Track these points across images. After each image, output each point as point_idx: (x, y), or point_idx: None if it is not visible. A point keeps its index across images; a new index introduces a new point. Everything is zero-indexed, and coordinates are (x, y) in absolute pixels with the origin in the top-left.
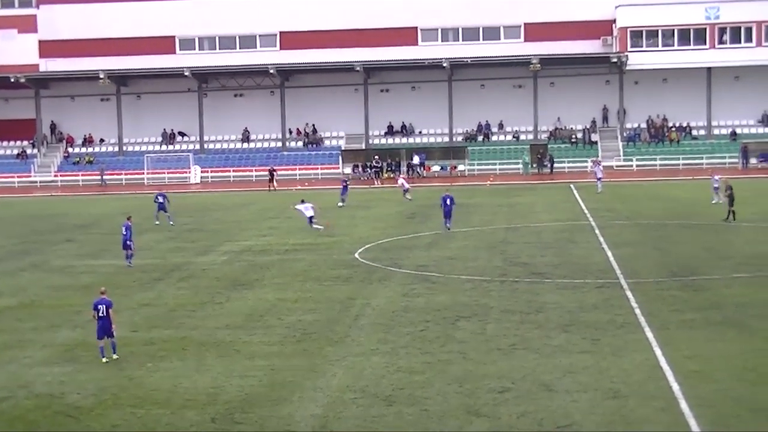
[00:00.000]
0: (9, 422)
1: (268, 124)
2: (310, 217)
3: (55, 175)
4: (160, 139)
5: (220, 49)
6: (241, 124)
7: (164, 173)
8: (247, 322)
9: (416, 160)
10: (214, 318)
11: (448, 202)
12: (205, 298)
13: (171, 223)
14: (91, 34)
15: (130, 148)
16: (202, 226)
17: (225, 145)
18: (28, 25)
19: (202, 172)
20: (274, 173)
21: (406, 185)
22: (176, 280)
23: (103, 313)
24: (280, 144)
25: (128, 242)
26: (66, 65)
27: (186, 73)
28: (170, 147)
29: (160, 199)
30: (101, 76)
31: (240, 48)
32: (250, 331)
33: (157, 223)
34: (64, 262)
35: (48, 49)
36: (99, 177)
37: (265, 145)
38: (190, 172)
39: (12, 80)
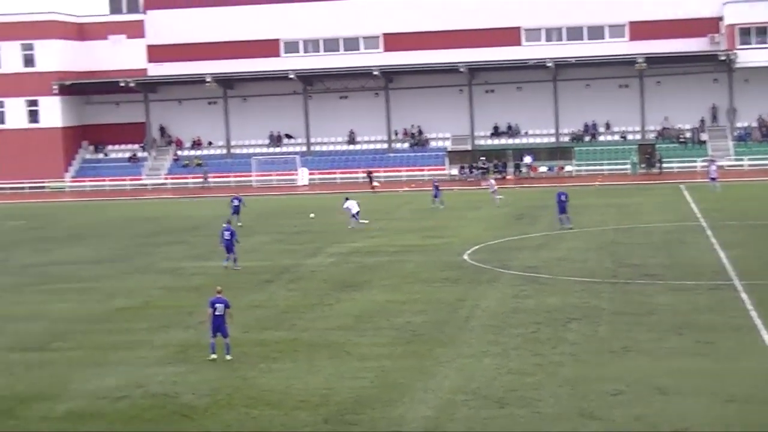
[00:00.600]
0: (126, 421)
1: (374, 126)
2: (356, 213)
3: (165, 178)
4: (267, 141)
5: (324, 51)
6: (347, 125)
7: (271, 175)
8: (357, 324)
9: (527, 159)
10: (324, 319)
11: (563, 198)
12: (315, 300)
13: (239, 224)
14: (198, 38)
15: (237, 151)
16: (310, 227)
17: (331, 147)
18: (136, 30)
19: (309, 173)
20: (371, 175)
21: (495, 186)
22: (286, 281)
23: (219, 311)
24: (385, 145)
25: (232, 246)
26: (173, 69)
27: (291, 76)
28: (277, 149)
29: (236, 202)
30: (208, 79)
31: (344, 50)
32: (360, 332)
33: (239, 224)
34: (174, 264)
35: (156, 53)
36: (202, 179)
37: (371, 146)
38: (297, 174)
39: (122, 85)
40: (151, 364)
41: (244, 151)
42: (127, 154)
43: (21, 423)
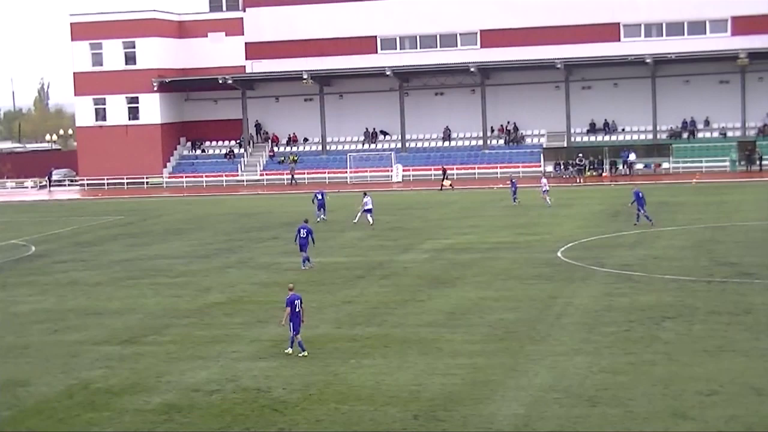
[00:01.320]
0: (218, 415)
1: (469, 123)
2: (369, 209)
3: (261, 174)
4: (362, 137)
5: (420, 48)
6: (442, 122)
7: (367, 172)
8: (449, 320)
9: (632, 157)
10: (416, 316)
11: (640, 195)
12: (407, 296)
13: (323, 217)
14: (295, 35)
15: (333, 147)
16: (404, 224)
17: (426, 144)
18: (235, 28)
19: (403, 170)
20: (446, 172)
21: (546, 186)
22: (378, 277)
23: (298, 308)
24: (480, 142)
25: (306, 244)
26: (271, 66)
27: (387, 73)
28: (372, 146)
29: (320, 197)
30: (305, 76)
31: (441, 47)
32: (452, 329)
33: (323, 218)
34: (270, 259)
35: (254, 50)
36: (290, 176)
37: (466, 143)
38: (392, 171)
39: (220, 81)
40: (245, 359)
41: (340, 147)
42: (224, 151)
43: (115, 415)
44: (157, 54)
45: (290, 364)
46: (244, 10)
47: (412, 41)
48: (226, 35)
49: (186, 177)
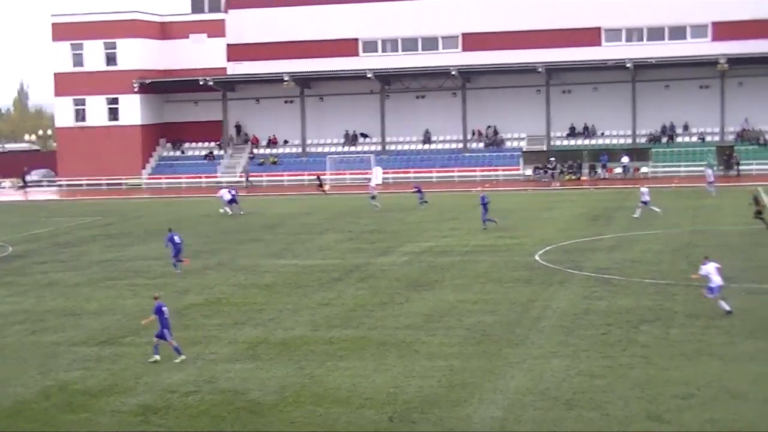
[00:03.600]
0: (195, 416)
1: (450, 126)
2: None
3: (240, 176)
4: (342, 140)
5: (402, 51)
6: (423, 125)
7: (346, 174)
8: (427, 323)
9: (625, 159)
10: (394, 318)
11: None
12: (385, 299)
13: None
14: (276, 37)
15: (313, 149)
16: (382, 227)
17: (406, 147)
18: (217, 29)
19: (383, 173)
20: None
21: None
22: (356, 280)
23: (167, 314)
24: (461, 145)
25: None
26: (252, 68)
27: (368, 75)
28: (352, 148)
29: (233, 193)
30: (285, 78)
31: (422, 50)
32: (429, 331)
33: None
34: (249, 261)
35: (235, 52)
36: (244, 179)
37: (446, 146)
38: (371, 173)
39: (201, 83)
40: (221, 360)
41: (320, 150)
42: (204, 152)
43: (93, 416)
44: (138, 55)
45: (266, 366)
46: (227, 12)
47: (393, 44)
48: (207, 36)
49: (165, 178)
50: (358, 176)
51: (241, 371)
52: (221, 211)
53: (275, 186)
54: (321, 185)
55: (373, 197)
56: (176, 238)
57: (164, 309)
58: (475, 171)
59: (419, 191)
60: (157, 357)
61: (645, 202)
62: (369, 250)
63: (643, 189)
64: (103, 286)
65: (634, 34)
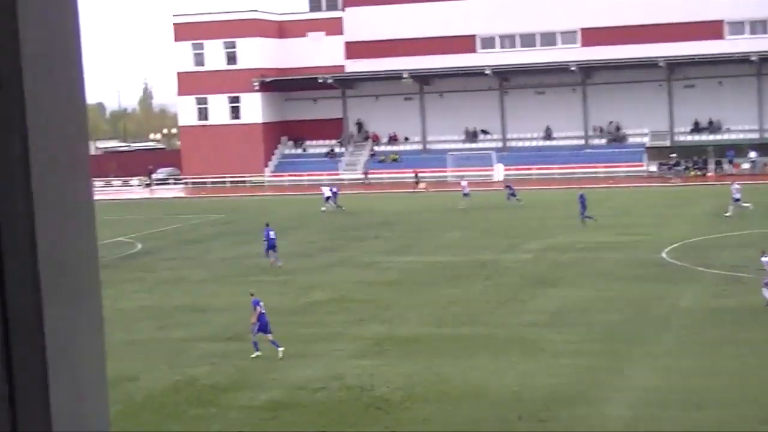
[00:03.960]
0: (323, 413)
1: (570, 122)
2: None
3: (362, 173)
4: (462, 136)
5: (520, 47)
6: (543, 121)
7: (467, 171)
8: (552, 320)
9: (753, 154)
10: (519, 315)
11: None
12: (510, 296)
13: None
14: (394, 34)
15: (433, 146)
16: (505, 223)
17: (527, 143)
18: (334, 27)
19: (504, 170)
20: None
21: (466, 190)
22: (482, 277)
23: (263, 310)
24: (582, 141)
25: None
26: (370, 66)
27: (487, 72)
28: (473, 145)
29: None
30: (404, 75)
31: (540, 45)
32: (554, 329)
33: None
34: (372, 258)
35: (353, 50)
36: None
37: (567, 142)
38: (492, 170)
39: (320, 81)
40: (348, 357)
41: (440, 146)
42: (325, 150)
43: (222, 411)
44: (258, 54)
45: (393, 362)
46: (344, 10)
47: (511, 40)
48: (325, 35)
49: (288, 176)
50: (479, 173)
51: (367, 368)
52: (323, 209)
53: (397, 183)
54: (417, 182)
55: (466, 194)
56: (271, 234)
57: (261, 304)
58: (596, 167)
59: (510, 188)
60: (258, 353)
61: (737, 200)
62: (493, 246)
63: (735, 186)
64: (229, 283)
65: (757, 27)
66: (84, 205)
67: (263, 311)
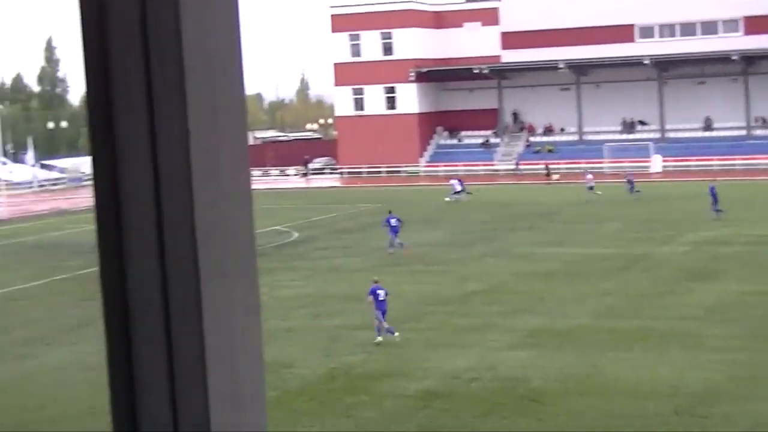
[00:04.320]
0: (477, 403)
1: (730, 112)
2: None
3: (517, 164)
4: (619, 127)
5: (680, 36)
6: (702, 112)
7: (623, 162)
8: (710, 315)
9: None
10: (676, 309)
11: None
12: (667, 289)
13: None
14: (550, 24)
15: (589, 137)
16: (662, 216)
17: (686, 134)
18: (490, 17)
19: (662, 161)
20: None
21: (592, 182)
22: (638, 270)
23: (382, 297)
24: (743, 132)
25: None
26: (526, 56)
27: (645, 62)
28: (630, 136)
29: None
30: (560, 66)
31: (701, 34)
32: (713, 323)
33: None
34: (527, 249)
35: (509, 40)
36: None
37: (727, 133)
38: (650, 162)
39: (475, 71)
40: (502, 348)
41: (596, 137)
42: (480, 140)
43: (375, 399)
44: (414, 44)
45: (548, 354)
46: (500, 0)
47: (671, 29)
48: (481, 25)
49: (443, 166)
50: (636, 164)
51: (522, 359)
52: (447, 199)
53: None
54: (548, 174)
55: (591, 188)
56: (392, 221)
57: (379, 292)
58: (758, 159)
59: (630, 183)
60: (380, 338)
61: None
62: (650, 239)
63: None
64: (384, 272)
65: None
66: (242, 194)
67: (382, 299)
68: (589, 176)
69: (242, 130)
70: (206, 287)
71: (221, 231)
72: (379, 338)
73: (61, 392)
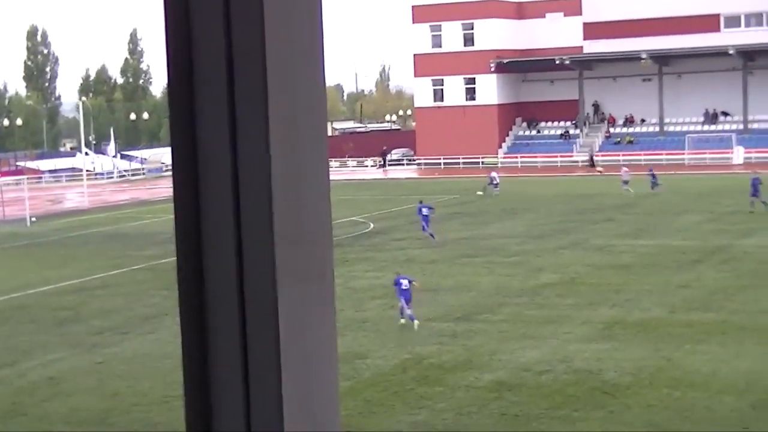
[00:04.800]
0: (548, 395)
1: None
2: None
3: (595, 155)
4: (701, 118)
5: (767, 25)
6: None
7: (705, 153)
8: None
9: None
10: (756, 303)
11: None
12: (747, 282)
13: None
14: (633, 14)
15: (670, 128)
16: (744, 207)
17: None
18: (573, 8)
19: (745, 152)
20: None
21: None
22: (717, 262)
23: (406, 286)
24: None
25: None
26: (608, 46)
27: (730, 52)
28: (712, 127)
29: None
30: (643, 56)
31: None
32: None
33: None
34: (604, 241)
35: (591, 30)
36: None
37: None
38: (732, 153)
39: (557, 62)
40: (576, 340)
41: (677, 129)
42: (559, 131)
43: (447, 390)
44: (495, 35)
45: (622, 347)
46: None
47: (758, 18)
48: (564, 15)
49: (521, 157)
50: (718, 156)
51: (595, 351)
52: (479, 192)
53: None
54: (593, 165)
55: (626, 182)
56: (424, 210)
57: (402, 281)
58: None
59: (653, 176)
60: (402, 320)
61: None
62: (731, 231)
63: None
64: (460, 264)
65: None
66: (320, 185)
67: (405, 288)
68: (625, 170)
69: (322, 125)
70: (283, 284)
71: (299, 222)
72: (402, 320)
73: (135, 382)
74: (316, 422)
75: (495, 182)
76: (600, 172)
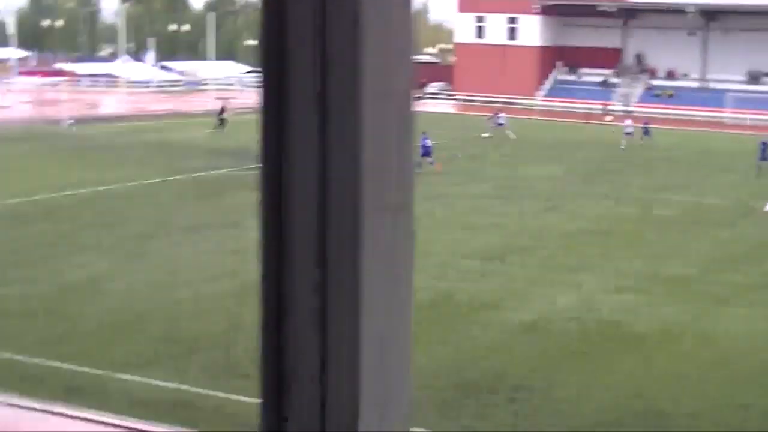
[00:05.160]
0: (573, 340)
1: None
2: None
3: (634, 106)
4: (745, 78)
5: None
6: None
7: (746, 113)
8: None
9: None
10: None
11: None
12: None
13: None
14: None
15: (711, 85)
16: None
17: None
18: None
19: None
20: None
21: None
22: (757, 220)
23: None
24: None
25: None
26: None
27: None
28: (754, 87)
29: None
30: (690, 9)
31: None
32: None
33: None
34: (643, 194)
35: None
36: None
37: None
38: None
39: (602, 9)
40: (607, 291)
41: (719, 86)
42: (600, 79)
43: (472, 328)
44: None
45: (654, 301)
46: None
47: None
48: None
49: (559, 101)
50: (759, 116)
51: (626, 302)
52: (484, 135)
53: (667, 119)
54: (605, 115)
55: (628, 133)
56: (427, 142)
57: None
58: None
59: (645, 128)
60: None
61: None
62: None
63: None
64: (498, 203)
65: None
66: (404, 113)
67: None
68: (628, 121)
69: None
70: (366, 213)
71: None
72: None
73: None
74: (389, 416)
75: (500, 122)
76: (609, 120)
